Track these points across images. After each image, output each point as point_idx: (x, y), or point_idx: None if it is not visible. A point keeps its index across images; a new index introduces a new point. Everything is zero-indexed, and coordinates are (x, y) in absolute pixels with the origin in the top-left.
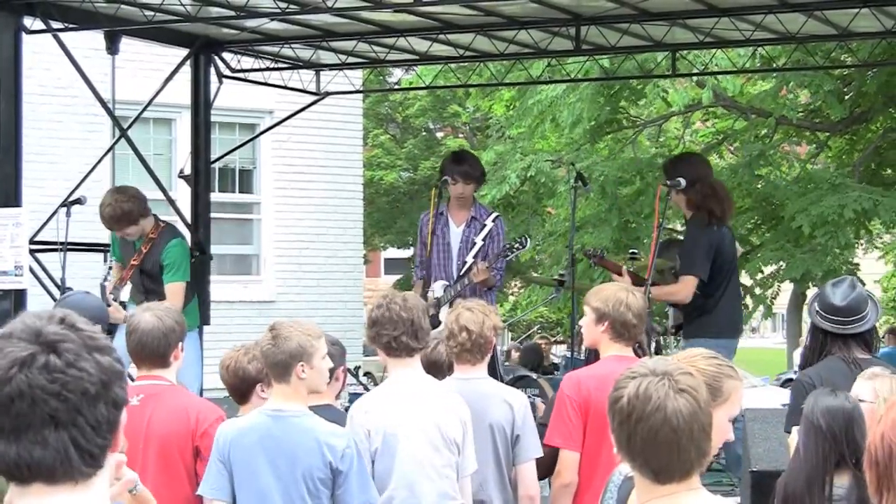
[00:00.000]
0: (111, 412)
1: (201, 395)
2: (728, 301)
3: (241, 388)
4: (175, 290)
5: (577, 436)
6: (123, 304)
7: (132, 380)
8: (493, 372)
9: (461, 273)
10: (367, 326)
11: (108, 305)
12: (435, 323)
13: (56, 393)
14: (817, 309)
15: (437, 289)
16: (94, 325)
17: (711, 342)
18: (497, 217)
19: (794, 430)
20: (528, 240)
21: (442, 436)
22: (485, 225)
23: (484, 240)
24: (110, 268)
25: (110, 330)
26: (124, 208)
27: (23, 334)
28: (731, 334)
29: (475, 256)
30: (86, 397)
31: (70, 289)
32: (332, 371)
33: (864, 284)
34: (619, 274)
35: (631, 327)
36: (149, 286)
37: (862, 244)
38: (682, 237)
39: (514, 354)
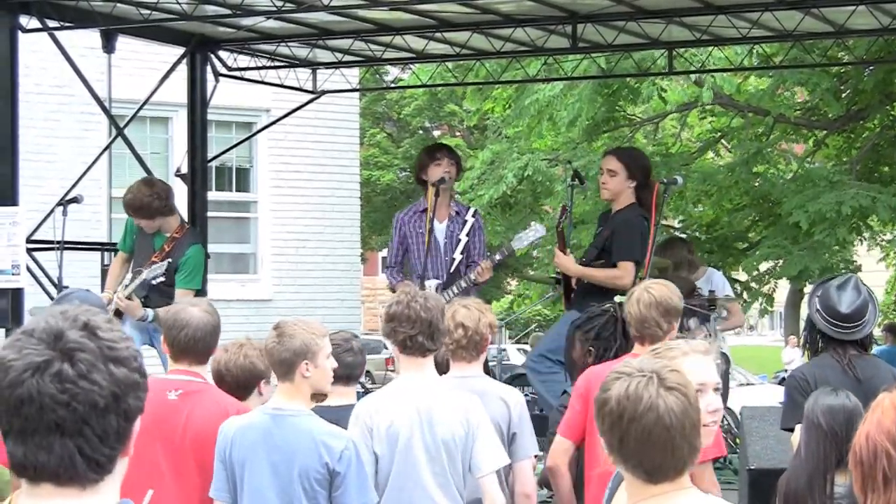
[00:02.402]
0: (121, 424)
1: None
2: None
3: (247, 382)
4: (185, 296)
5: (575, 425)
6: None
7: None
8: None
9: (452, 271)
10: (385, 321)
11: (130, 300)
12: None
13: (65, 403)
14: (818, 308)
15: (432, 287)
16: (116, 328)
17: None
18: (476, 212)
19: (797, 428)
20: (544, 227)
21: (440, 442)
22: (466, 221)
23: (468, 235)
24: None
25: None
26: (143, 201)
27: (43, 335)
28: None
29: (462, 253)
30: (95, 409)
31: (67, 287)
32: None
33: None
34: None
35: (638, 328)
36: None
37: (863, 241)
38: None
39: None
